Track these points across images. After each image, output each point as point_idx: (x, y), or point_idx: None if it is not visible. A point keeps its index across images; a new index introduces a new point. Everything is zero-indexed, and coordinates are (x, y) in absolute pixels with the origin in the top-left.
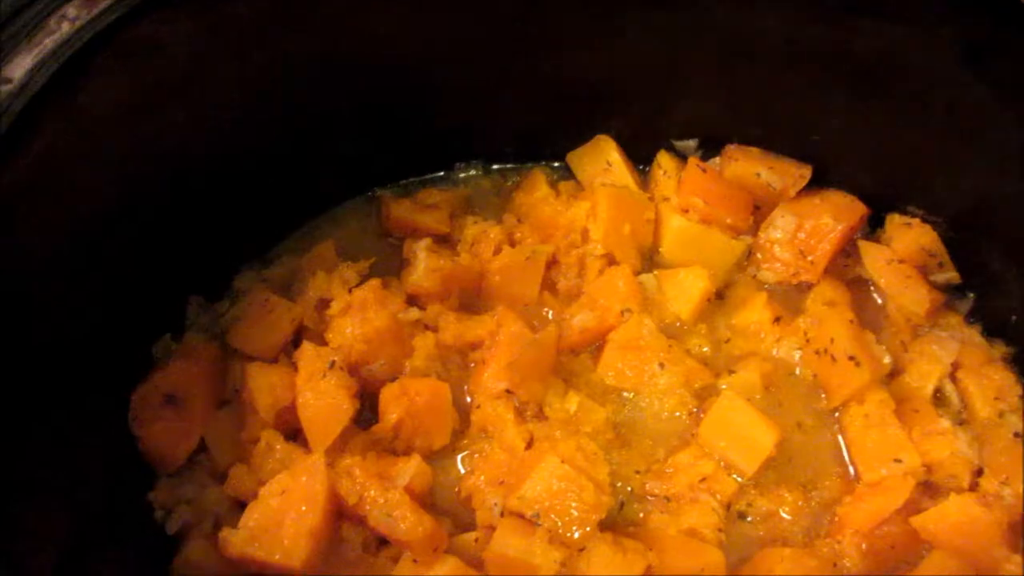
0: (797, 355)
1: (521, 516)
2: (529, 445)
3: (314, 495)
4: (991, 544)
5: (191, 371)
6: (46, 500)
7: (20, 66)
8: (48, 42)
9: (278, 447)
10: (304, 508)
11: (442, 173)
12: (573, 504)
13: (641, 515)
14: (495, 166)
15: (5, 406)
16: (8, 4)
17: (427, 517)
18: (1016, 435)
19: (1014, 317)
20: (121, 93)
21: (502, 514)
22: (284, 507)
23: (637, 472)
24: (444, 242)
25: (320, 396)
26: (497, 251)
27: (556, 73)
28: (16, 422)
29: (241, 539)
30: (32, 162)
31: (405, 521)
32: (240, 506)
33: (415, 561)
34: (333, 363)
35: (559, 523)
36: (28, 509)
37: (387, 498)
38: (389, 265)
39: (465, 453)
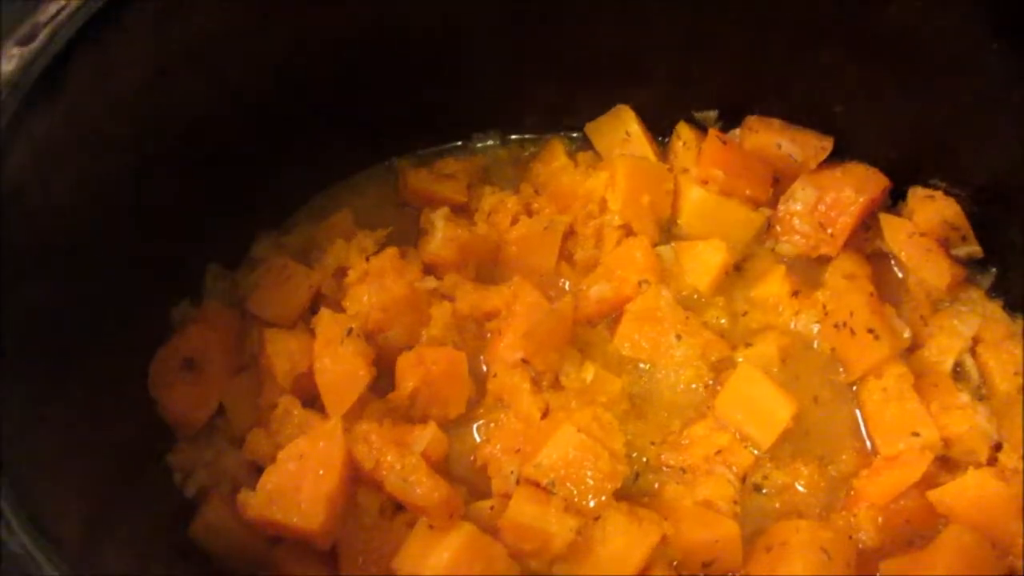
0: (815, 328)
1: (536, 484)
2: (545, 415)
3: (331, 459)
4: (1008, 518)
5: (209, 336)
6: (70, 464)
7: (41, 25)
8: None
9: (295, 412)
10: (321, 472)
11: (460, 143)
12: (588, 473)
13: (656, 486)
14: (513, 136)
15: (30, 369)
16: None
17: (443, 482)
18: None
19: None
20: (143, 57)
21: (518, 482)
22: (302, 471)
23: (652, 443)
24: (461, 212)
25: (337, 362)
26: (514, 221)
27: (576, 43)
28: (39, 386)
29: (259, 501)
30: (55, 123)
31: (421, 486)
32: (258, 470)
33: (431, 527)
34: (351, 330)
35: (574, 491)
36: (53, 473)
37: (403, 463)
38: (406, 234)
39: (481, 422)
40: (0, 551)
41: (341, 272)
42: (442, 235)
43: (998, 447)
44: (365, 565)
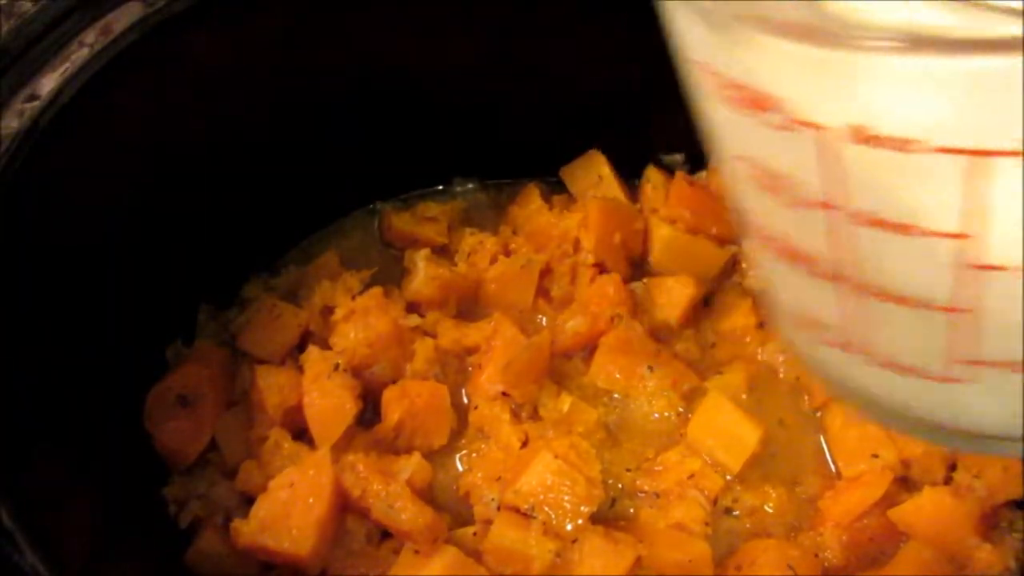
0: (780, 358)
1: (517, 510)
2: (524, 444)
3: (320, 488)
4: (964, 534)
5: (202, 374)
6: (72, 492)
7: (45, 86)
8: (68, 66)
9: (285, 445)
10: (311, 500)
11: (441, 187)
12: (566, 497)
13: (631, 511)
14: (491, 181)
15: (35, 406)
16: (25, 34)
17: (427, 508)
18: None
19: None
20: (135, 111)
21: (499, 508)
22: (292, 499)
23: (628, 470)
24: (442, 253)
25: (325, 396)
26: (493, 261)
27: (548, 93)
28: (43, 421)
29: (251, 529)
30: (54, 174)
31: (406, 512)
32: (249, 501)
33: (416, 552)
34: (337, 365)
35: (553, 516)
36: (57, 500)
37: (389, 491)
38: (390, 275)
39: (463, 452)
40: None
41: (328, 311)
42: (424, 274)
43: (953, 467)
44: None
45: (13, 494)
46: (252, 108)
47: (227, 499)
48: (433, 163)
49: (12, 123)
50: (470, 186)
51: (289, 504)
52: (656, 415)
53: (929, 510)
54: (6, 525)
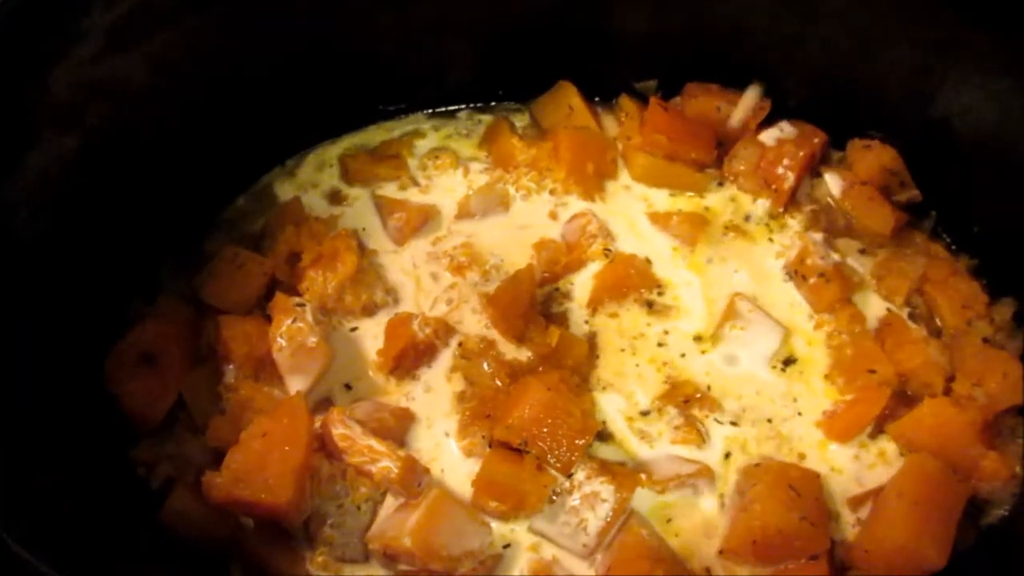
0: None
1: (509, 446)
2: (513, 380)
3: (296, 435)
4: (967, 443)
5: (166, 330)
6: (40, 462)
7: None
8: None
9: (256, 397)
10: (287, 448)
11: (400, 124)
12: (560, 431)
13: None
14: (458, 113)
15: None
16: None
17: (403, 451)
18: (985, 340)
19: (976, 228)
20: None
21: (490, 445)
22: (267, 448)
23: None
24: (408, 184)
25: (295, 341)
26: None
27: (515, 20)
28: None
29: (225, 481)
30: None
31: (384, 457)
32: (220, 457)
33: (399, 497)
34: (307, 310)
35: (547, 450)
36: (23, 471)
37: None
38: (354, 216)
39: None
40: None
41: (294, 257)
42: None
43: (951, 378)
44: (339, 539)
45: None
46: (203, 53)
47: (198, 457)
48: (392, 96)
49: None
50: (430, 123)
51: (264, 454)
52: (648, 345)
53: (930, 422)
54: None
